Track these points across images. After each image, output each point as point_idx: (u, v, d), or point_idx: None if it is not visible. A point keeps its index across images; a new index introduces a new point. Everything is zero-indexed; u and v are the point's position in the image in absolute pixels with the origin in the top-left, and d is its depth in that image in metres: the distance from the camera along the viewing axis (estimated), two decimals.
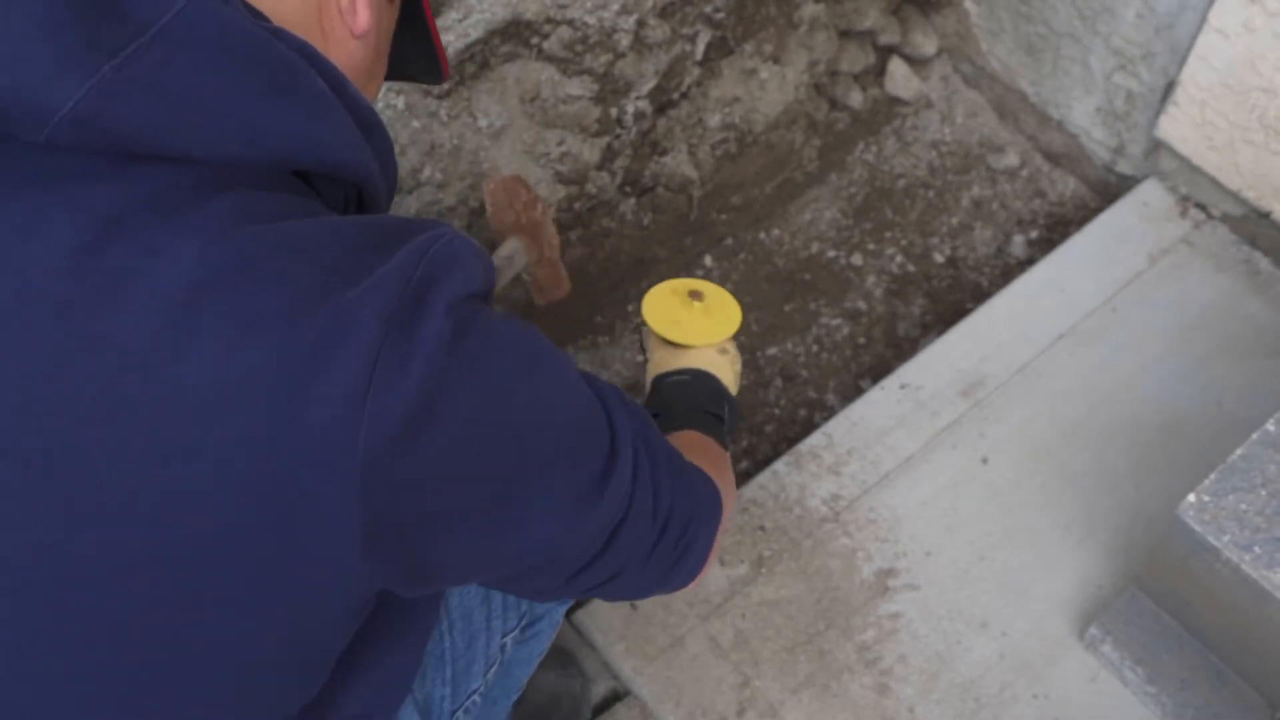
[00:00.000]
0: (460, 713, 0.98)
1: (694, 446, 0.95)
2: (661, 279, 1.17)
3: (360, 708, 0.76)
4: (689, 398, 1.07)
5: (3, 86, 0.57)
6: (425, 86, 1.45)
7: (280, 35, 0.66)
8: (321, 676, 0.71)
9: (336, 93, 0.67)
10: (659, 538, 0.80)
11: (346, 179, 0.69)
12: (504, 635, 1.01)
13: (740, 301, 1.13)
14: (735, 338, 1.13)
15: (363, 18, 0.74)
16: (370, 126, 0.70)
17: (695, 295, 1.13)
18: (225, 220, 0.59)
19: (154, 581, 0.59)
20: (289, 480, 0.58)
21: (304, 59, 0.66)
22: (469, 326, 0.62)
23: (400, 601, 0.75)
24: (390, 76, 0.92)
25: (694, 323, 1.11)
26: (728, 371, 1.11)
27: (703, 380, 1.08)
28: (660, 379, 1.09)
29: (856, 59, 1.92)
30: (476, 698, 0.99)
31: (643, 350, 1.17)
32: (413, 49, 0.89)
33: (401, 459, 0.59)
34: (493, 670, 1.01)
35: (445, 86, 1.46)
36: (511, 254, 1.30)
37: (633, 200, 1.70)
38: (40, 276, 0.58)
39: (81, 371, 0.57)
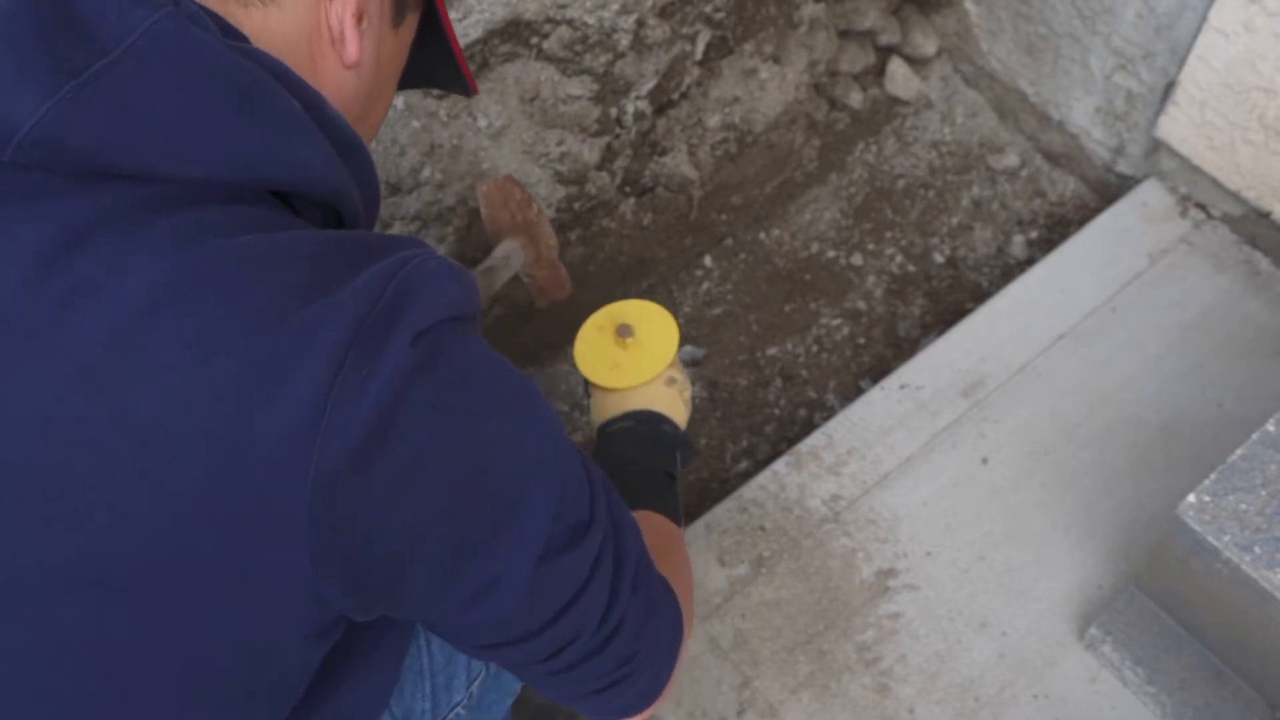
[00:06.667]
0: None
1: (651, 536, 0.89)
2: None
3: None
4: (639, 451, 1.01)
5: None
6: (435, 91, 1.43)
7: (252, 55, 0.65)
8: (290, 699, 0.69)
9: (311, 111, 0.66)
10: (603, 646, 0.75)
11: (319, 198, 0.67)
12: None
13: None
14: (681, 356, 1.06)
15: (352, 48, 0.72)
16: (347, 146, 0.69)
17: (625, 331, 1.05)
18: (186, 235, 0.58)
19: (103, 599, 0.58)
20: (237, 499, 0.57)
21: (276, 78, 0.64)
22: (438, 355, 0.60)
23: (371, 619, 0.74)
24: (420, 84, 0.90)
25: (630, 362, 1.04)
26: (678, 404, 1.04)
27: (651, 424, 1.02)
28: (605, 427, 1.03)
29: (856, 59, 1.92)
30: (461, 710, 0.98)
31: (586, 391, 1.10)
32: (434, 58, 0.87)
33: (352, 483, 0.58)
34: (477, 683, 0.99)
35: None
36: (507, 255, 1.27)
37: (632, 200, 1.70)
38: (2, 294, 0.57)
39: (35, 388, 0.57)
